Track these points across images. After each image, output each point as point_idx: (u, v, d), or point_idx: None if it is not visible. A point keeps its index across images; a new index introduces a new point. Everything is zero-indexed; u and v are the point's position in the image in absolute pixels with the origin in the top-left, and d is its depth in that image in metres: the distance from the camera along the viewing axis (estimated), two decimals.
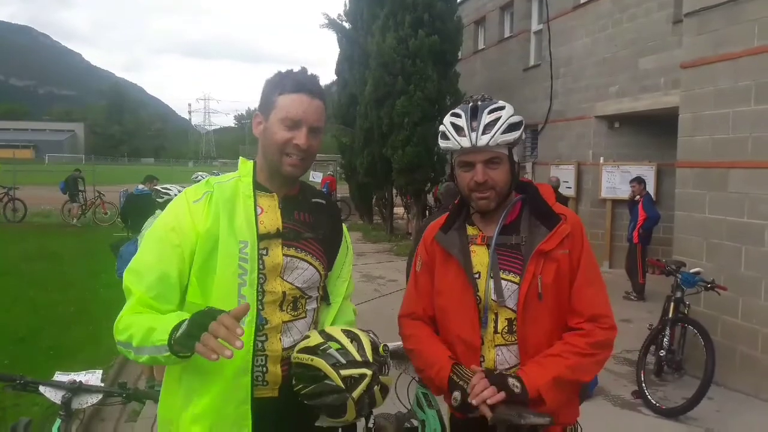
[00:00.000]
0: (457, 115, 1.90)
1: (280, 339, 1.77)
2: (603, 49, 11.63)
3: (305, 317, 1.84)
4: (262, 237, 1.75)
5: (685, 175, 6.10)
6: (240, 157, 1.91)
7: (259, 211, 1.79)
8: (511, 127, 1.86)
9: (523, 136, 1.93)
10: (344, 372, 1.60)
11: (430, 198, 16.22)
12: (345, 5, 16.98)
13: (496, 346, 1.91)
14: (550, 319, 1.87)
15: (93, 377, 2.31)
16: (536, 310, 1.85)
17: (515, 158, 1.92)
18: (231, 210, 1.76)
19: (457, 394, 1.83)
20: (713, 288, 5.20)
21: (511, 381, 1.77)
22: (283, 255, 1.78)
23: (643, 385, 5.14)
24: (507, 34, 16.66)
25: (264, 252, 1.75)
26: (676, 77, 7.91)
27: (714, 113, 5.69)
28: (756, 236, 5.26)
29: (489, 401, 1.73)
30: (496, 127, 1.83)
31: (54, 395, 2.23)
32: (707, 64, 5.77)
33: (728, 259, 5.52)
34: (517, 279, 1.87)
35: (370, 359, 1.63)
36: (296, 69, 1.83)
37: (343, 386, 1.60)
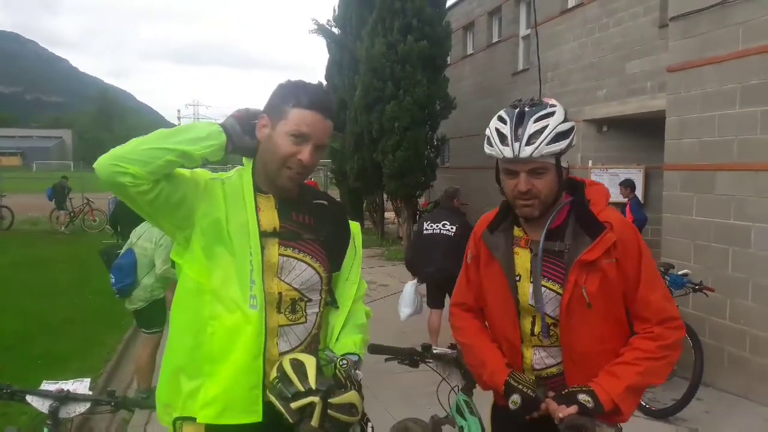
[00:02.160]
0: (503, 121, 1.84)
1: (276, 343, 1.77)
2: (590, 53, 11.71)
3: (305, 322, 1.83)
4: (260, 234, 1.78)
5: (672, 177, 6.14)
6: (243, 158, 1.92)
7: (257, 209, 1.81)
8: (559, 137, 1.78)
9: (573, 142, 1.84)
10: (294, 405, 1.58)
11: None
12: (334, 11, 16.99)
13: (533, 346, 1.95)
14: (596, 326, 1.86)
15: (81, 386, 2.29)
16: (580, 318, 1.85)
17: (564, 164, 1.86)
18: (239, 201, 1.79)
19: (516, 397, 1.87)
20: (701, 289, 5.24)
21: (582, 397, 1.77)
22: (279, 255, 1.79)
23: None
24: (495, 39, 16.74)
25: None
26: (663, 81, 7.97)
27: (700, 116, 5.74)
28: (743, 238, 5.31)
29: (562, 414, 1.75)
30: (542, 137, 1.76)
31: (41, 404, 2.21)
32: (693, 67, 5.82)
33: (716, 261, 5.56)
34: (556, 287, 1.87)
35: (313, 386, 1.59)
36: (314, 82, 1.84)
37: (291, 420, 1.58)
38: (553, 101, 1.87)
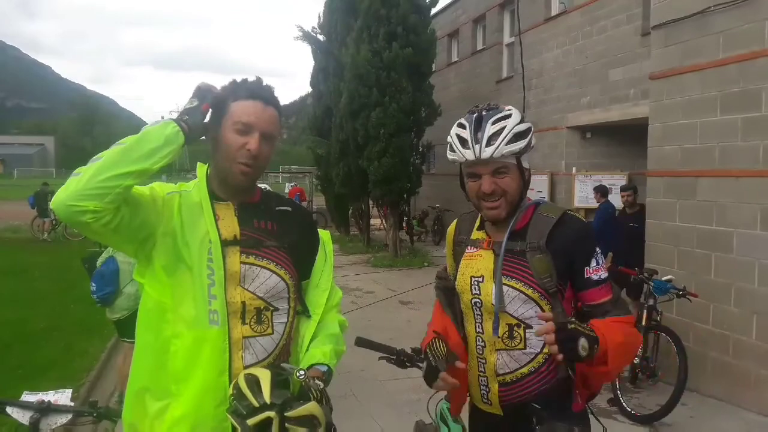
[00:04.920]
0: (462, 126, 1.90)
1: (241, 356, 1.73)
2: (574, 60, 11.83)
3: (272, 333, 1.78)
4: (221, 244, 1.74)
5: (655, 184, 6.20)
6: (198, 163, 1.88)
7: (216, 217, 1.77)
8: (517, 137, 1.85)
9: (533, 142, 1.91)
10: (250, 421, 1.53)
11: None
12: (319, 18, 17.00)
13: (496, 350, 1.96)
14: None
15: (62, 396, 2.25)
16: None
17: (525, 165, 1.92)
18: (197, 213, 1.76)
19: (423, 366, 1.98)
20: (685, 295, 5.28)
21: (582, 342, 1.65)
22: (241, 263, 1.75)
23: (619, 392, 5.19)
24: (480, 46, 16.87)
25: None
26: (645, 88, 8.07)
27: (682, 123, 5.81)
28: (725, 243, 5.37)
29: (546, 336, 1.66)
30: (500, 138, 1.83)
31: (21, 416, 2.17)
32: (675, 75, 5.89)
33: (699, 266, 5.62)
34: (518, 285, 1.90)
35: (268, 400, 1.53)
36: (251, 78, 1.82)
37: None
38: (509, 106, 1.94)
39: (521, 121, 1.88)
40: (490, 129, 1.84)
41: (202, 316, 1.69)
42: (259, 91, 1.76)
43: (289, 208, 1.93)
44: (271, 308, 1.78)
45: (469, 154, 1.85)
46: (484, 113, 1.89)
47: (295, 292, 1.85)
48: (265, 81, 1.85)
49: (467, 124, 1.89)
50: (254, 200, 1.86)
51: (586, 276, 1.89)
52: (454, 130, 1.92)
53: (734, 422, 5.03)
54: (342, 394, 5.17)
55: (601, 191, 9.50)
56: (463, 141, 1.88)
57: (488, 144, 1.83)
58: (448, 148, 1.95)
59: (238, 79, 1.82)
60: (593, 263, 1.90)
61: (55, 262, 12.63)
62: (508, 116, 1.87)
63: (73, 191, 1.52)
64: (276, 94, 1.83)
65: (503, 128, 1.84)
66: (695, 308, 5.51)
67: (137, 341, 1.81)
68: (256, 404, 1.53)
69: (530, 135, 1.90)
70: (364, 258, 14.65)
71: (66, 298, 8.93)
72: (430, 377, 1.94)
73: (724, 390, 5.38)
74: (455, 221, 2.22)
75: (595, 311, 1.89)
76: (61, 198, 1.52)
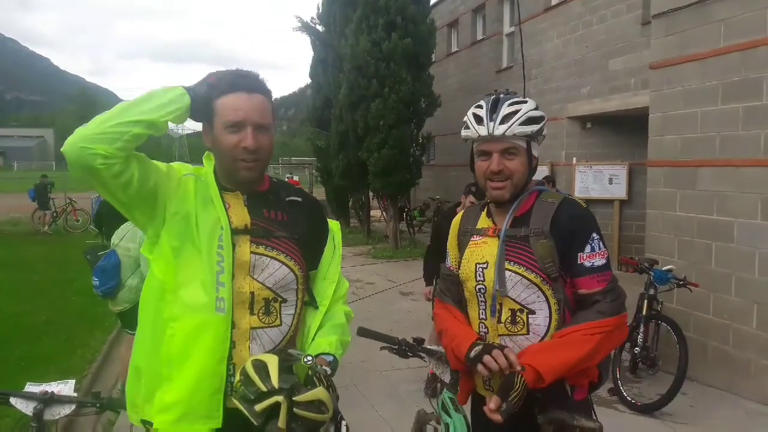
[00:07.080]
0: (479, 106, 1.99)
1: (248, 347, 1.73)
2: (574, 50, 11.78)
3: (279, 325, 1.78)
4: (231, 231, 1.74)
5: (655, 174, 6.20)
6: (206, 152, 1.89)
7: (226, 206, 1.77)
8: (530, 120, 1.93)
9: (544, 131, 2.00)
10: (258, 407, 1.53)
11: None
12: (318, 8, 16.92)
13: (499, 335, 1.98)
14: None
15: (66, 387, 2.26)
16: None
17: (534, 153, 1.99)
18: (209, 200, 1.76)
19: (478, 348, 1.89)
20: (685, 285, 5.29)
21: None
22: (251, 252, 1.74)
23: (619, 382, 5.20)
24: (479, 36, 16.80)
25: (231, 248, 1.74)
26: (646, 78, 8.04)
27: (683, 113, 5.79)
28: (725, 233, 5.37)
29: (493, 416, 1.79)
30: (514, 118, 1.91)
31: (25, 407, 2.18)
32: (675, 64, 5.87)
33: (699, 256, 5.62)
34: (521, 270, 1.92)
35: (276, 385, 1.53)
36: (231, 68, 1.81)
37: (256, 423, 1.53)
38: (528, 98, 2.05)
39: (536, 109, 1.97)
40: (505, 110, 1.93)
41: (210, 301, 1.68)
42: (239, 81, 1.72)
43: (299, 199, 1.92)
44: (280, 299, 1.78)
45: (482, 130, 1.93)
46: (501, 96, 1.99)
47: (303, 284, 1.85)
48: (264, 72, 1.83)
49: (484, 105, 1.98)
50: (263, 189, 1.86)
51: (578, 262, 1.91)
52: (471, 109, 2.01)
53: (734, 411, 5.05)
54: (343, 385, 5.18)
55: (552, 182, 9.72)
56: (478, 119, 1.96)
57: (502, 122, 1.91)
58: (463, 127, 2.01)
59: (215, 70, 1.78)
60: (587, 249, 1.91)
61: (56, 255, 12.63)
62: (525, 102, 1.98)
63: (83, 135, 1.54)
64: (261, 78, 1.78)
65: (518, 110, 1.93)
66: (696, 298, 5.52)
67: (139, 320, 1.81)
68: (264, 389, 1.53)
69: (543, 123, 1.97)
70: (365, 249, 14.65)
71: (67, 291, 8.95)
72: (486, 350, 1.90)
73: (725, 379, 5.39)
74: (461, 213, 2.28)
75: (585, 301, 1.91)
76: (72, 141, 1.54)
